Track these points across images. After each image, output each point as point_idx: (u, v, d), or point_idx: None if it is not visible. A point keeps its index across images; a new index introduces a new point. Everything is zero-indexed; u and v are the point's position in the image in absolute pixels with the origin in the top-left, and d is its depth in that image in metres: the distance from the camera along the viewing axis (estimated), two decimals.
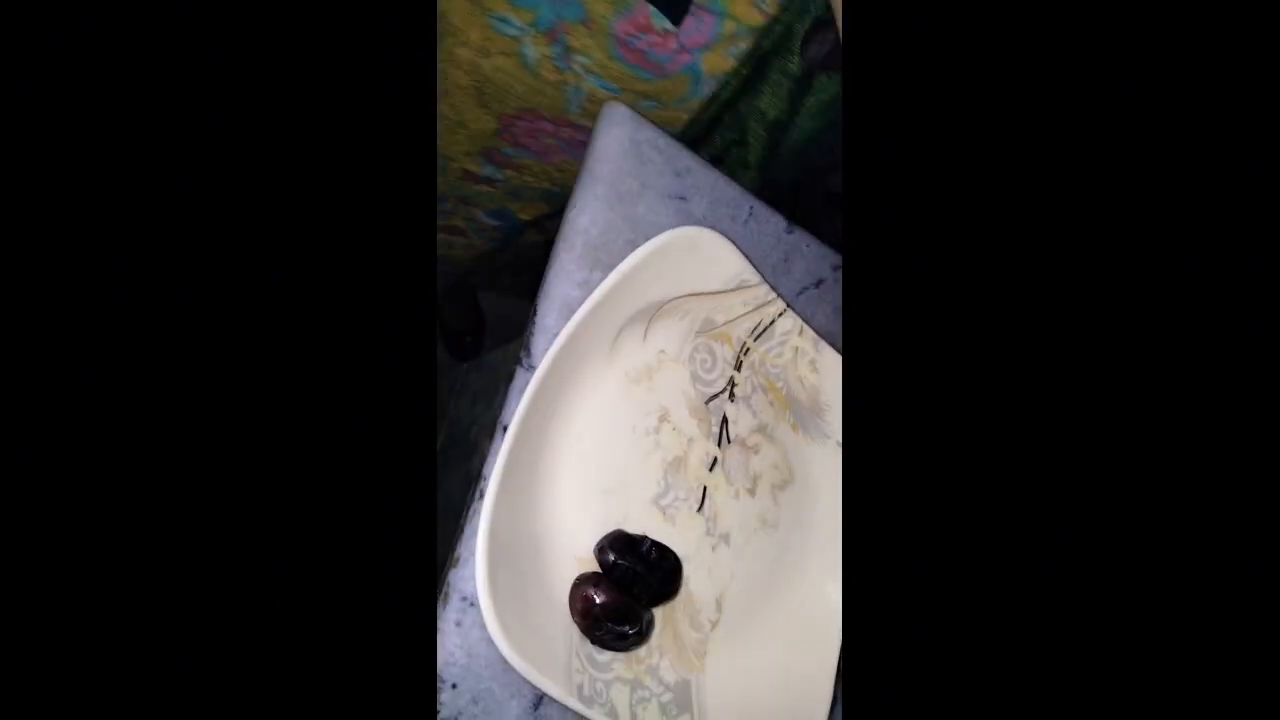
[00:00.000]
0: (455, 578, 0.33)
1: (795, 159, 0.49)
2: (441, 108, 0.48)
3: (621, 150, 0.40)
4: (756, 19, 0.40)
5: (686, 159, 0.42)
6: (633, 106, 0.45)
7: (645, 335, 0.39)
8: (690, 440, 0.41)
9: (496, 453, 0.34)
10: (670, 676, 0.37)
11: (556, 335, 0.36)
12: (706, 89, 0.44)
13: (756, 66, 0.43)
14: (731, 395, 0.42)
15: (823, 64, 0.41)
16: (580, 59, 0.43)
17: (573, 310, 0.36)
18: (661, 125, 0.43)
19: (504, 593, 0.32)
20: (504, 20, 0.42)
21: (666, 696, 0.37)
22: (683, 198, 0.42)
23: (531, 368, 0.36)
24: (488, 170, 0.54)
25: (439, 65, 0.45)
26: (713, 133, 0.48)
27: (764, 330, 0.43)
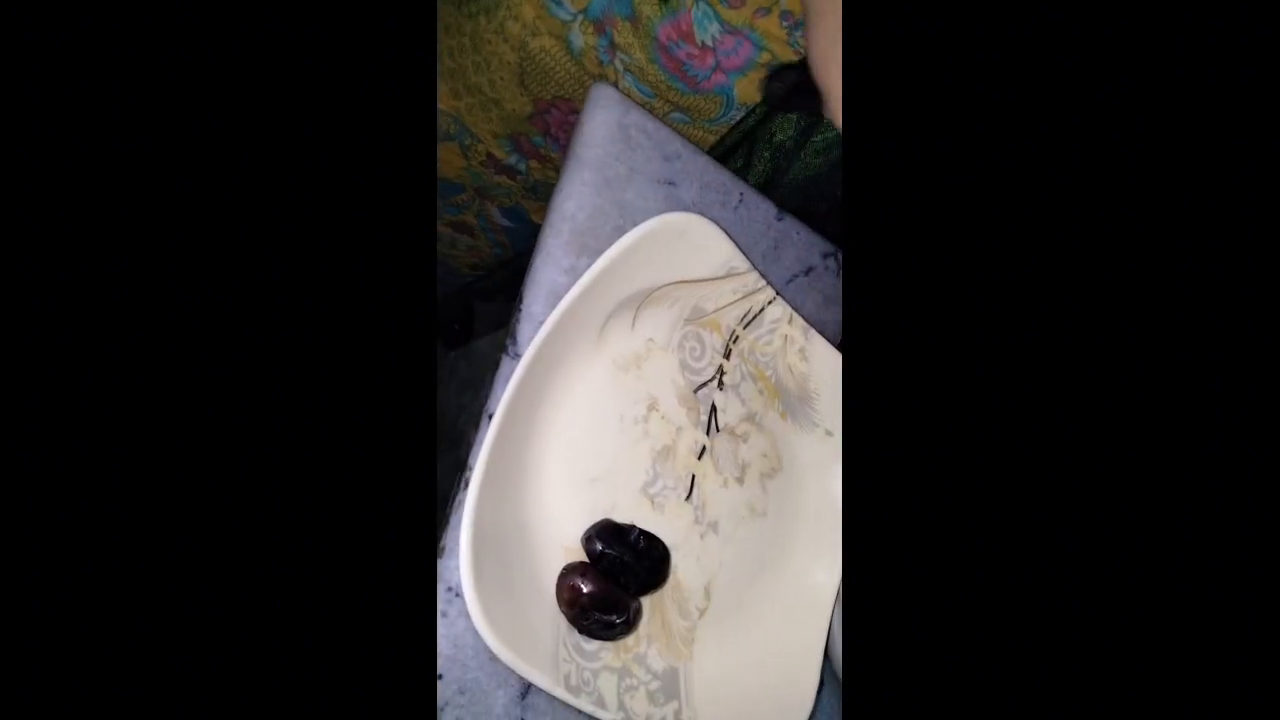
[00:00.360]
0: (440, 568, 0.33)
1: (794, 192, 0.49)
2: (480, 82, 0.48)
3: (609, 134, 0.39)
4: (790, 56, 0.40)
5: (676, 143, 0.41)
6: (663, 117, 0.44)
7: (633, 323, 0.39)
8: (679, 429, 0.40)
9: (482, 442, 0.33)
10: (658, 664, 0.37)
11: (542, 323, 0.35)
12: (736, 115, 0.44)
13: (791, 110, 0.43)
14: (720, 383, 0.42)
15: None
16: (622, 56, 0.42)
17: (559, 297, 0.36)
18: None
19: (489, 583, 0.32)
20: (558, 2, 0.41)
21: (654, 684, 0.37)
22: (672, 183, 0.41)
23: (517, 355, 0.36)
24: (512, 159, 0.53)
25: (487, 36, 0.44)
26: (728, 159, 0.49)
27: (753, 318, 0.42)
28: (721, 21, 0.39)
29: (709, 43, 0.40)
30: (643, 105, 0.42)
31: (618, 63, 0.43)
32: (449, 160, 0.56)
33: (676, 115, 0.45)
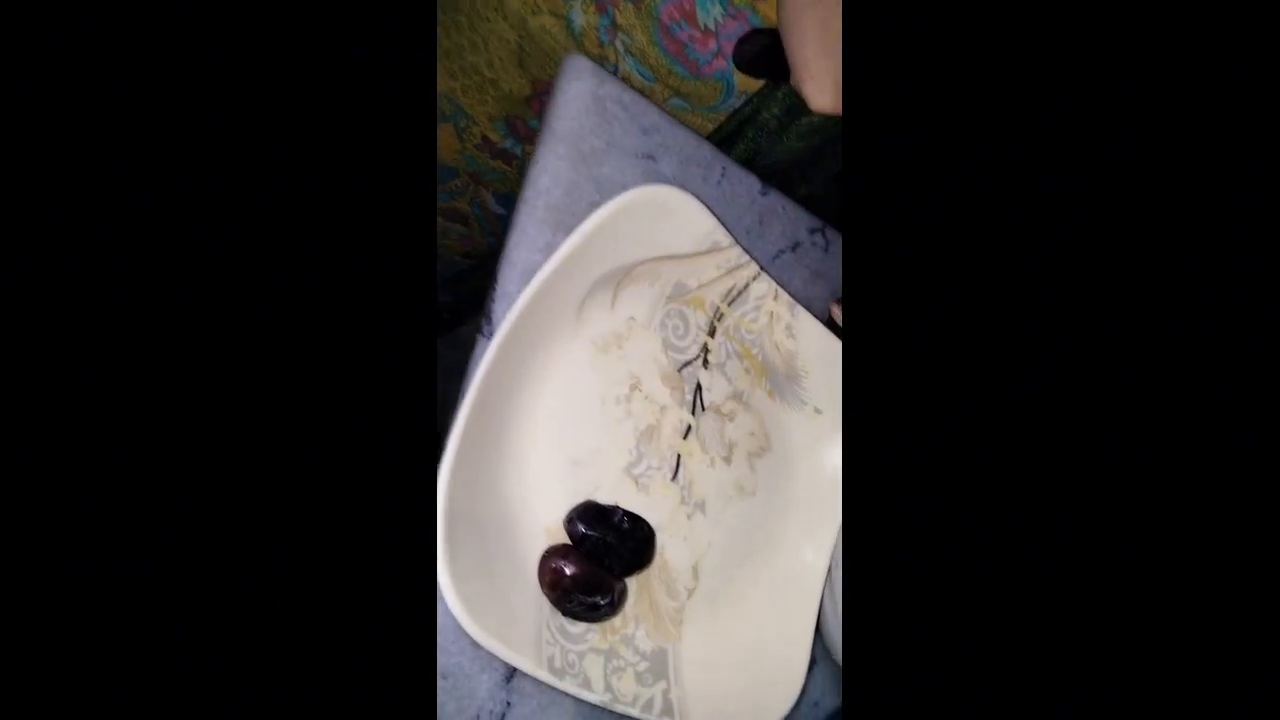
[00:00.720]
0: None
1: (774, 174, 0.48)
2: (478, 61, 0.47)
3: (584, 106, 0.38)
4: None
5: (654, 115, 0.40)
6: (663, 103, 0.43)
7: (613, 302, 0.38)
8: (663, 408, 0.40)
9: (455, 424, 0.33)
10: (646, 645, 0.37)
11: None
12: (735, 103, 0.43)
13: (776, 86, 0.42)
14: (705, 362, 0.41)
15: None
16: (623, 37, 0.41)
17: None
18: None
19: (466, 567, 0.31)
20: None
21: (642, 665, 0.36)
22: (651, 157, 0.40)
23: (492, 335, 0.35)
24: (507, 142, 0.52)
25: (486, 14, 0.44)
26: (722, 148, 0.48)
27: (738, 295, 0.41)
28: (725, 3, 0.38)
29: (711, 26, 0.39)
30: (643, 90, 0.41)
31: (619, 44, 0.42)
32: (444, 143, 0.55)
33: (676, 101, 0.44)
